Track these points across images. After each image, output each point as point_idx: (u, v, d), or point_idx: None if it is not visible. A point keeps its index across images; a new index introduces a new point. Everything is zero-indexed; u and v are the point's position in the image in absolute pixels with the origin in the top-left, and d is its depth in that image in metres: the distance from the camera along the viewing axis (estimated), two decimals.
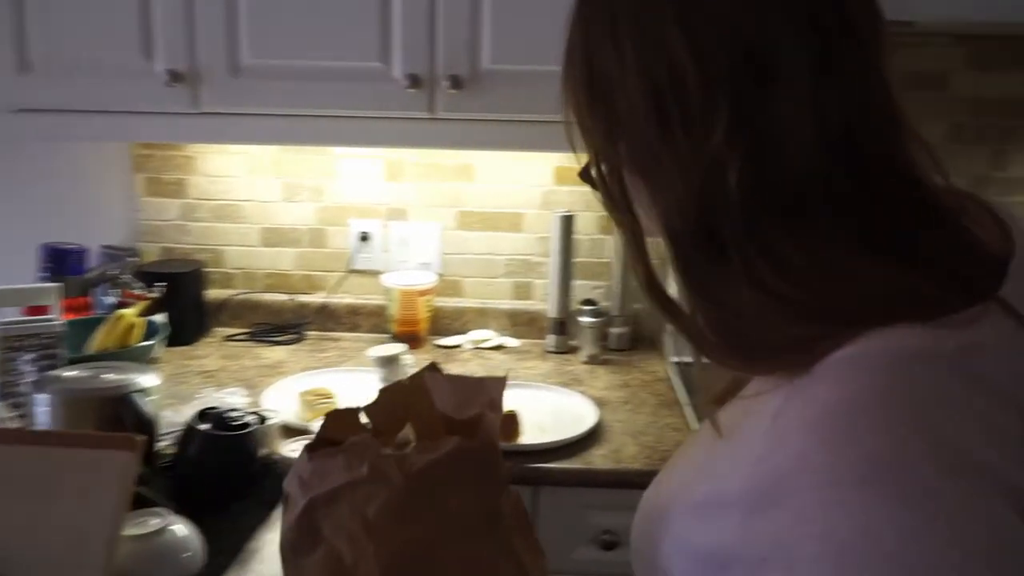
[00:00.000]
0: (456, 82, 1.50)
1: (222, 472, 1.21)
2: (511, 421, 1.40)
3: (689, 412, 1.57)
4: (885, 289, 0.51)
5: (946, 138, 1.84)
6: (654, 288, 0.60)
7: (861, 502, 0.45)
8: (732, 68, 0.53)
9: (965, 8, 1.40)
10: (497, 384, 0.74)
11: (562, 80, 0.63)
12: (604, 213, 1.47)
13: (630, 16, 0.57)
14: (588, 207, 1.90)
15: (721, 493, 0.54)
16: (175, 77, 1.52)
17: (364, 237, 1.96)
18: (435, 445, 0.63)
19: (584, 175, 0.64)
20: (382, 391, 0.74)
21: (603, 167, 0.62)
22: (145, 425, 1.19)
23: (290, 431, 1.40)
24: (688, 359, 1.83)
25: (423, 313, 1.89)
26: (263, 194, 1.96)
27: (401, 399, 0.73)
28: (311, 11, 1.51)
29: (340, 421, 0.71)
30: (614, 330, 1.91)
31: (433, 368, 0.76)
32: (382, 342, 1.91)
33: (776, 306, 0.53)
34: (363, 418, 0.72)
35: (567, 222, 1.83)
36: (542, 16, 1.48)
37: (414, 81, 1.50)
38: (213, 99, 1.55)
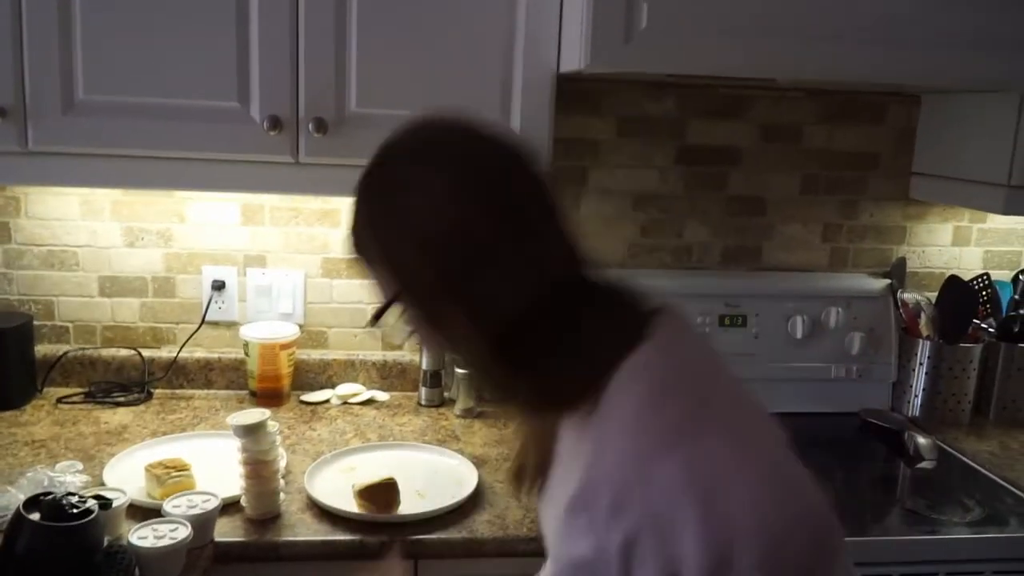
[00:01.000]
0: (320, 125, 1.41)
1: (58, 570, 1.05)
2: (389, 490, 1.31)
3: None
4: (610, 343, 0.80)
5: (800, 189, 1.92)
6: (491, 377, 0.86)
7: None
8: (452, 255, 0.78)
9: (825, 70, 1.45)
10: None
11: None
12: None
13: (383, 228, 0.82)
14: None
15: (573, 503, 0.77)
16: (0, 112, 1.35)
17: (218, 286, 1.81)
18: None
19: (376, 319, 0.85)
20: None
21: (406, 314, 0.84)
22: None
23: (139, 511, 1.24)
24: None
25: (285, 368, 1.77)
26: (101, 239, 1.78)
27: None
28: (159, 43, 1.38)
29: None
30: None
31: None
32: (240, 400, 1.78)
33: (553, 379, 0.81)
34: None
35: None
36: (411, 60, 1.44)
37: (274, 123, 1.40)
38: (43, 137, 1.39)
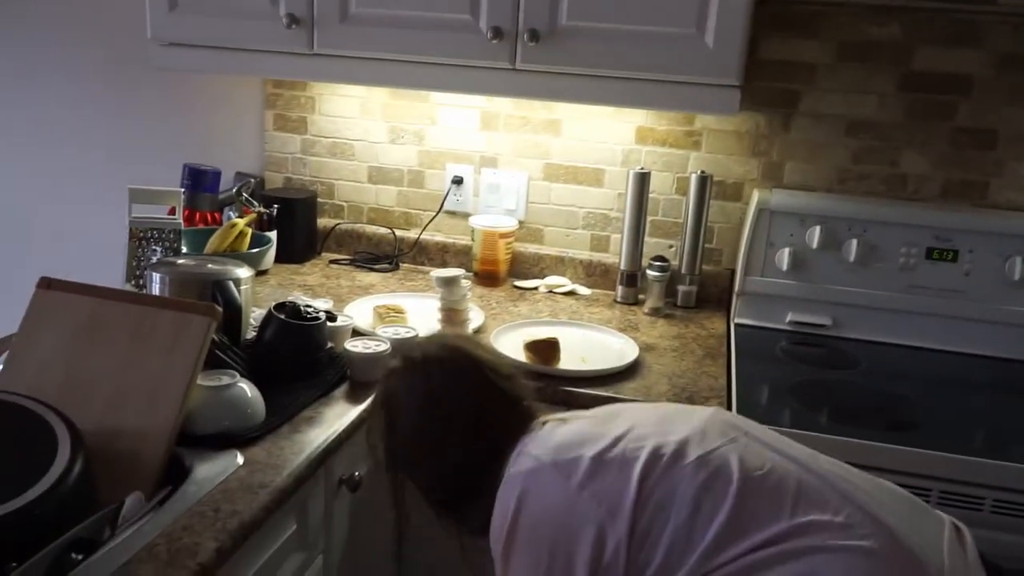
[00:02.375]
0: (534, 35, 1.63)
1: (291, 354, 1.41)
2: (551, 347, 1.54)
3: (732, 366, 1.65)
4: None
5: None
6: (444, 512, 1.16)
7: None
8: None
9: None
10: None
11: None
12: (681, 174, 1.70)
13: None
14: (666, 167, 1.99)
15: None
16: (293, 20, 1.74)
17: (457, 181, 2.13)
18: None
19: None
20: None
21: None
22: (234, 307, 1.41)
23: (357, 333, 1.59)
24: (750, 322, 1.90)
25: (503, 254, 2.05)
26: (372, 135, 2.16)
27: None
28: None
29: None
30: (682, 287, 1.99)
31: None
32: (466, 278, 2.09)
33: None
34: None
35: (642, 179, 1.92)
36: None
37: (497, 33, 1.65)
38: (324, 42, 1.76)
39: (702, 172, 1.91)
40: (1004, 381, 1.74)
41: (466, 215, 2.14)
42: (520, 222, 2.10)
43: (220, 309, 1.23)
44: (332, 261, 2.16)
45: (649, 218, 2.00)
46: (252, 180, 2.11)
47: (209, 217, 2.05)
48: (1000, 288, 1.80)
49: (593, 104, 1.92)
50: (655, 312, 1.94)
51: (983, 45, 1.80)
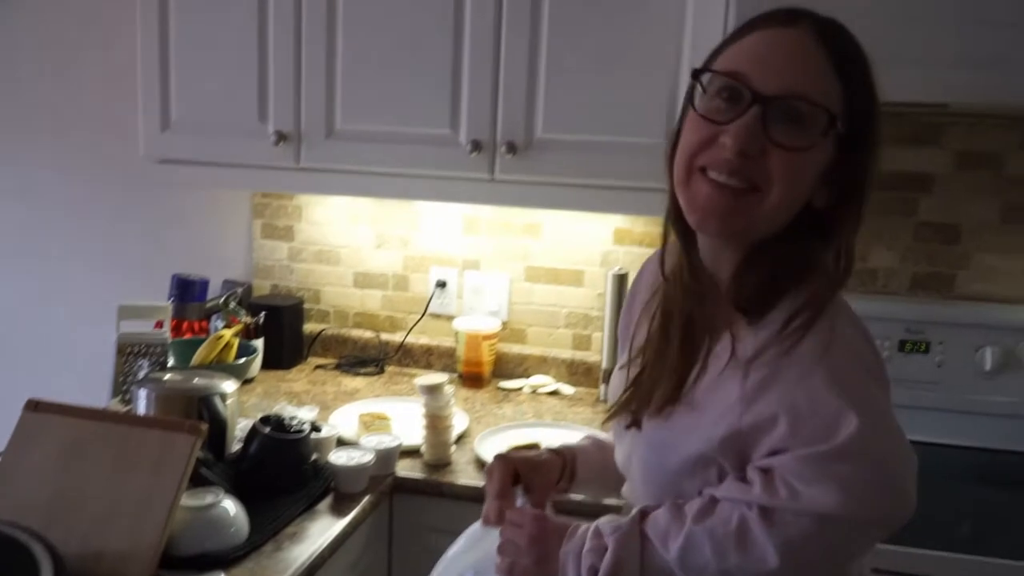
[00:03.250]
0: (512, 148, 1.70)
1: (276, 468, 1.42)
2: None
3: None
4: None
5: (1001, 218, 1.87)
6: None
7: None
8: None
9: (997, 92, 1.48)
10: None
11: None
12: None
13: None
14: None
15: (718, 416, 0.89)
16: (281, 137, 1.81)
17: (441, 284, 2.17)
18: None
19: None
20: None
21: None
22: (219, 422, 1.43)
23: (342, 442, 1.60)
24: None
25: (487, 356, 2.08)
26: (358, 241, 2.22)
27: None
28: (394, 87, 1.76)
29: None
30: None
31: None
32: (450, 380, 2.11)
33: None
34: None
35: (620, 280, 1.97)
36: (589, 88, 1.68)
37: (476, 146, 1.72)
38: (311, 157, 1.83)
39: None
40: (981, 471, 1.75)
41: (450, 317, 2.18)
42: (503, 323, 2.14)
43: (205, 427, 1.25)
44: (318, 366, 2.19)
45: None
46: (239, 289, 2.15)
47: (197, 326, 2.08)
48: (972, 378, 1.83)
49: (571, 211, 1.98)
50: None
51: (941, 144, 1.88)
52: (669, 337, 0.98)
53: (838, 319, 0.89)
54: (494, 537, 1.01)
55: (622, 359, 1.10)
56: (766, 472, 0.85)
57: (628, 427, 1.01)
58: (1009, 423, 1.82)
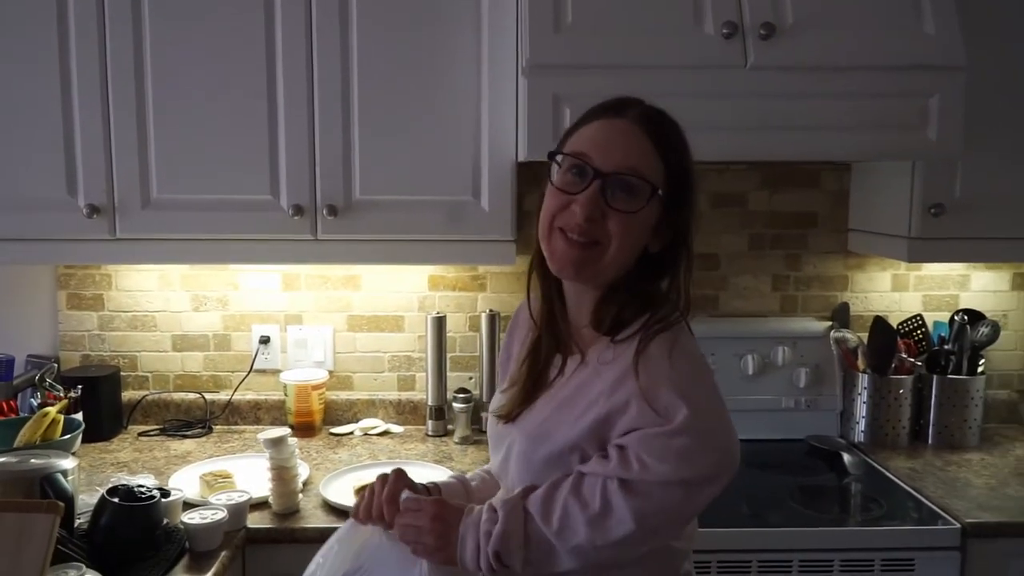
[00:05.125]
0: (332, 210, 1.83)
1: (130, 536, 1.45)
2: None
3: None
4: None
5: (749, 246, 2.25)
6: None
7: None
8: None
9: (758, 150, 1.81)
10: None
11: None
12: (472, 313, 1.94)
13: None
14: (458, 308, 2.23)
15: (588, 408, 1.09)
16: (94, 210, 1.82)
17: (265, 340, 2.24)
18: None
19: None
20: None
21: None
22: (66, 499, 1.43)
23: (190, 505, 1.64)
24: None
25: (316, 405, 2.17)
26: (173, 305, 2.23)
27: None
28: (210, 153, 1.84)
29: None
30: (485, 414, 2.21)
31: None
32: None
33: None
34: None
35: (439, 322, 2.15)
36: (401, 155, 1.85)
37: (298, 210, 1.83)
38: (127, 227, 1.85)
39: (490, 310, 2.17)
40: (749, 458, 2.09)
41: (276, 371, 2.25)
42: (330, 372, 2.24)
43: (62, 504, 1.27)
44: (140, 434, 2.17)
45: (448, 355, 2.22)
46: (52, 363, 2.09)
47: (5, 405, 2.00)
48: (739, 381, 2.18)
49: (391, 265, 2.14)
50: (464, 440, 2.13)
51: (701, 187, 2.23)
52: (536, 354, 1.21)
53: (680, 334, 1.12)
54: (367, 531, 1.17)
55: (503, 384, 1.29)
56: (621, 449, 1.06)
57: (507, 421, 1.20)
58: (768, 416, 2.18)
